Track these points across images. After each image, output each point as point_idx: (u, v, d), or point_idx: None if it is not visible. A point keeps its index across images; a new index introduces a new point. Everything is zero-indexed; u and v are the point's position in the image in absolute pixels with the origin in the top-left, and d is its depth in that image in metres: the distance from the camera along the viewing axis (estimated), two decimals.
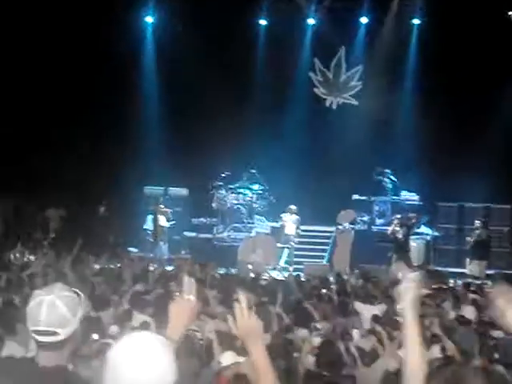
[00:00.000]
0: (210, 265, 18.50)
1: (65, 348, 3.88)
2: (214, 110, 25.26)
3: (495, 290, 3.59)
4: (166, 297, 12.54)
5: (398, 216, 23.02)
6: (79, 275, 14.18)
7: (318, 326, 10.73)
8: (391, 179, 24.70)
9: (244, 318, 3.75)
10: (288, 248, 23.37)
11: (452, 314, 12.54)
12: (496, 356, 9.22)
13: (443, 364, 6.57)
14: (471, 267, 22.21)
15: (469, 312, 12.73)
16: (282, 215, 23.51)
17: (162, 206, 24.10)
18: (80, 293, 3.99)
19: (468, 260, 22.51)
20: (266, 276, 18.47)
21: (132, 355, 3.27)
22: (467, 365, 3.63)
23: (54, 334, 3.82)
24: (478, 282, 19.40)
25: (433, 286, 16.93)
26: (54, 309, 3.81)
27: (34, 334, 3.86)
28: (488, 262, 22.29)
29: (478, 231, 22.63)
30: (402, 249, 22.46)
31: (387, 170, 24.75)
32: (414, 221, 23.17)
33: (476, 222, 22.95)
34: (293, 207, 23.32)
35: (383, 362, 8.87)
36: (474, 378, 3.04)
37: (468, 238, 22.79)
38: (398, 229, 22.55)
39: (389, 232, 22.74)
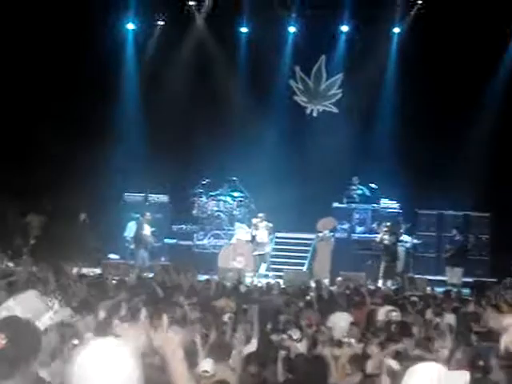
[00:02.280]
0: (191, 272, 18.52)
1: None
2: (195, 116, 25.28)
3: None
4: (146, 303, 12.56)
5: (388, 223, 23.09)
6: (60, 283, 14.16)
7: (293, 335, 10.73)
8: (371, 187, 24.77)
9: (163, 332, 3.93)
10: (262, 255, 23.33)
11: (434, 322, 12.61)
12: (481, 363, 9.27)
13: None
14: (449, 274, 22.33)
15: (450, 319, 12.80)
16: (253, 221, 23.50)
17: (148, 214, 23.96)
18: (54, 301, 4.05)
19: (447, 268, 22.61)
20: (246, 283, 18.50)
21: (97, 361, 3.31)
22: None
23: None
24: (455, 289, 19.53)
25: (414, 294, 17.06)
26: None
27: None
28: (464, 269, 22.39)
29: (456, 239, 22.74)
30: (390, 257, 22.57)
31: (355, 178, 24.84)
32: (401, 230, 23.35)
33: (453, 230, 23.07)
34: (260, 215, 23.37)
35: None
36: None
37: (447, 246, 22.87)
38: (386, 236, 22.64)
39: (377, 240, 22.83)
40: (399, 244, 23.38)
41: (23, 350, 3.58)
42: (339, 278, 19.27)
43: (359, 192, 24.98)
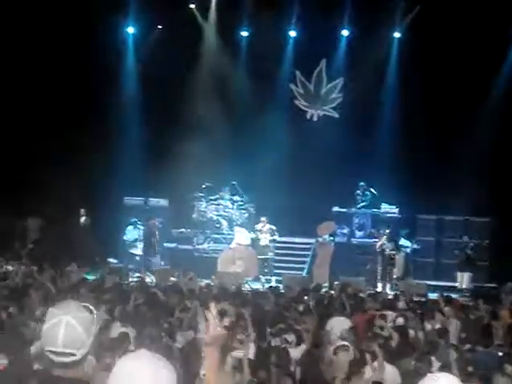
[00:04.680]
0: (191, 276, 18.54)
1: (79, 367, 3.87)
2: (195, 120, 25.26)
3: None
4: (145, 307, 12.56)
5: (387, 230, 23.14)
6: (59, 287, 14.19)
7: (288, 338, 10.75)
8: (371, 192, 24.76)
9: (214, 327, 3.77)
10: (266, 259, 23.38)
11: (429, 327, 12.64)
12: (469, 369, 9.30)
13: None
14: (459, 280, 22.34)
15: (452, 326, 12.82)
16: (256, 227, 23.56)
17: (156, 220, 24.13)
18: (93, 309, 3.98)
19: (459, 273, 22.61)
20: (245, 287, 18.50)
21: (134, 375, 3.32)
22: None
23: (71, 355, 3.81)
24: (456, 295, 19.52)
25: (413, 299, 17.05)
26: (71, 330, 3.79)
27: (50, 354, 3.83)
28: (473, 274, 22.45)
29: (466, 245, 22.77)
30: (388, 262, 22.67)
31: (362, 183, 24.83)
32: (401, 235, 23.51)
33: (464, 236, 23.07)
34: (262, 218, 23.41)
35: (366, 375, 8.90)
36: None
37: (457, 252, 22.88)
38: (386, 243, 22.75)
39: (377, 246, 22.90)
40: (400, 249, 23.39)
41: (22, 368, 3.56)
42: (336, 283, 19.27)
43: (364, 198, 24.95)
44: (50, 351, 3.83)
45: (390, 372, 9.09)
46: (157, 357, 3.44)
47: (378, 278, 22.50)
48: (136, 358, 3.41)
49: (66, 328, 3.79)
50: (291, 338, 10.74)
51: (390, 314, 12.99)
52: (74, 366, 3.86)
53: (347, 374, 8.87)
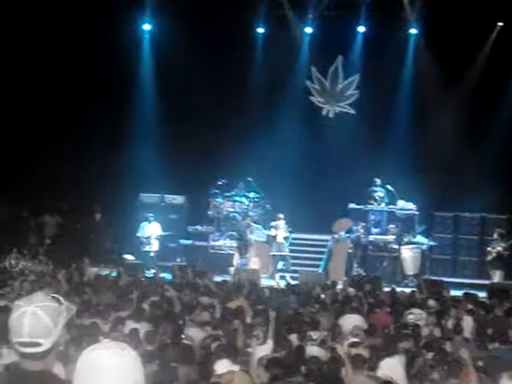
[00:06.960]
0: (207, 273, 18.54)
1: (48, 357, 3.84)
2: (211, 117, 25.29)
3: None
4: (161, 303, 12.57)
5: (392, 226, 23.25)
6: (74, 284, 14.22)
7: (313, 335, 10.73)
8: (388, 188, 24.64)
9: None
10: (282, 255, 23.35)
11: (450, 324, 12.60)
12: (480, 364, 9.31)
13: None
14: (495, 277, 22.31)
15: (466, 322, 12.76)
16: (272, 223, 23.54)
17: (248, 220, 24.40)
18: (62, 300, 3.94)
19: (492, 271, 22.55)
20: (261, 284, 18.50)
21: (99, 366, 3.30)
22: None
23: (38, 345, 3.77)
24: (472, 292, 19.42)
25: (429, 296, 16.98)
26: (36, 319, 3.76)
27: (17, 346, 3.81)
28: (505, 272, 22.36)
29: (499, 242, 22.69)
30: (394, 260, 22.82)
31: (378, 180, 24.67)
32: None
33: (494, 234, 22.96)
34: (280, 215, 23.38)
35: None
36: None
37: (489, 249, 22.81)
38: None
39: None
40: (414, 246, 23.31)
41: None
42: (344, 279, 19.25)
43: (381, 194, 24.84)
44: (17, 342, 3.80)
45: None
46: (121, 346, 3.42)
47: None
48: (100, 348, 3.40)
49: (31, 318, 3.75)
50: (316, 335, 10.74)
51: (407, 312, 12.95)
52: (42, 357, 3.82)
53: (350, 367, 8.82)
